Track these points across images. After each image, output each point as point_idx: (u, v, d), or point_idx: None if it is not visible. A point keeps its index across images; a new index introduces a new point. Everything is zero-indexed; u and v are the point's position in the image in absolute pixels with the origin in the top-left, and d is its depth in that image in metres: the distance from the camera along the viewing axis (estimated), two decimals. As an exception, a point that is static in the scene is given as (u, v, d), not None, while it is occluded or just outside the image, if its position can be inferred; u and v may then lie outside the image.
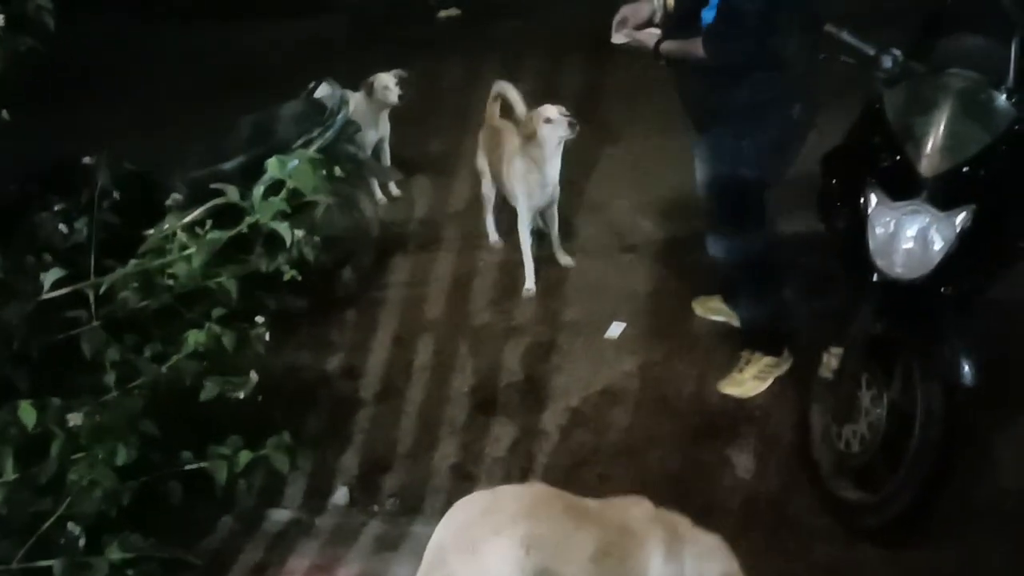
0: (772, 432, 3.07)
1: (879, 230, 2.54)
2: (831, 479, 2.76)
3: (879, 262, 2.56)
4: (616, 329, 3.64)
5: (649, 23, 3.05)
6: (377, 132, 4.58)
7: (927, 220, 2.47)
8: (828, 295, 3.22)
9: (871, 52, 2.72)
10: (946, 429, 2.46)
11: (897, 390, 2.59)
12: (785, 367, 3.29)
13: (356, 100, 4.31)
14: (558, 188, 3.92)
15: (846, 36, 2.75)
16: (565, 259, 4.08)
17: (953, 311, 2.55)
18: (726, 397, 3.24)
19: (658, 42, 2.94)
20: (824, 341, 2.82)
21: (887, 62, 2.69)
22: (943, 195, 2.47)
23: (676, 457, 3.03)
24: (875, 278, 2.59)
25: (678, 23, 2.90)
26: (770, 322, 3.27)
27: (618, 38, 3.06)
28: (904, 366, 2.58)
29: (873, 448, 2.62)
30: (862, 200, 2.60)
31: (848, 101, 3.02)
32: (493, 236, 4.28)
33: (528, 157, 3.80)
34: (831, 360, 2.75)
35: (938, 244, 2.47)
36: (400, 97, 4.43)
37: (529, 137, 3.75)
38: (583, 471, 3.01)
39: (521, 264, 3.99)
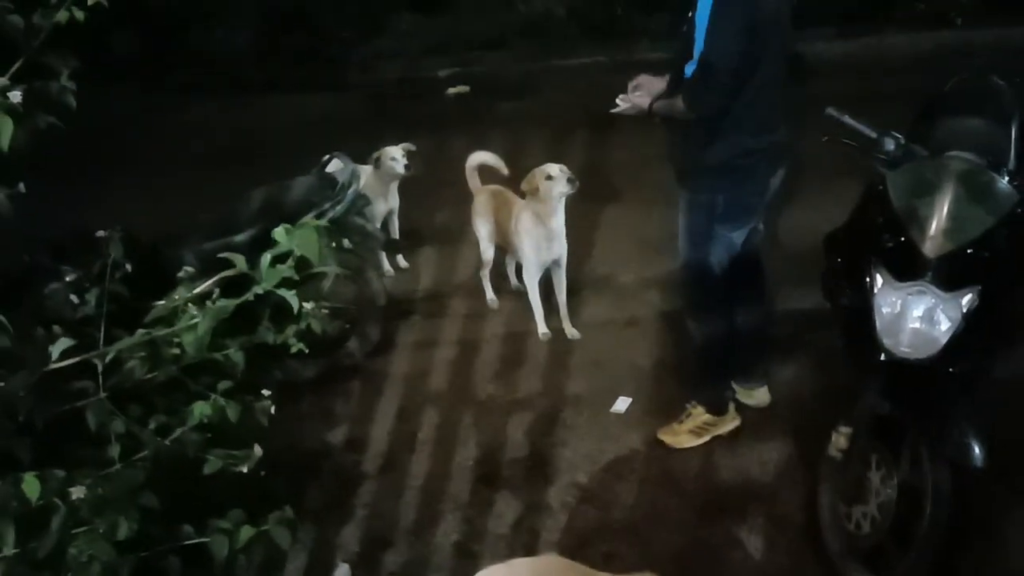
0: (780, 512, 3.02)
1: (885, 310, 2.55)
2: (840, 560, 2.70)
3: (886, 341, 2.56)
4: (623, 404, 3.62)
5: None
6: (387, 204, 4.65)
7: (933, 301, 2.48)
8: (835, 373, 3.21)
9: (873, 135, 2.78)
10: (955, 510, 2.43)
11: (906, 470, 2.57)
12: (726, 428, 3.34)
13: (366, 174, 4.39)
14: (565, 245, 4.05)
15: (847, 119, 2.81)
16: (571, 332, 4.10)
17: (960, 391, 2.54)
18: (734, 474, 3.20)
19: (651, 103, 3.05)
20: (832, 420, 2.80)
21: (889, 145, 2.75)
22: (948, 276, 2.49)
23: (683, 536, 2.98)
24: (881, 357, 2.59)
25: (671, 83, 3.04)
26: (713, 380, 3.35)
27: (615, 108, 3.17)
28: (912, 446, 2.56)
29: (883, 529, 2.58)
30: (867, 280, 2.62)
31: (849, 181, 3.06)
32: (490, 295, 4.41)
33: (533, 212, 4.00)
34: (840, 439, 2.72)
35: (945, 324, 2.48)
36: (407, 167, 4.50)
37: (532, 193, 3.95)
38: (588, 549, 2.95)
39: (528, 333, 4.08)
